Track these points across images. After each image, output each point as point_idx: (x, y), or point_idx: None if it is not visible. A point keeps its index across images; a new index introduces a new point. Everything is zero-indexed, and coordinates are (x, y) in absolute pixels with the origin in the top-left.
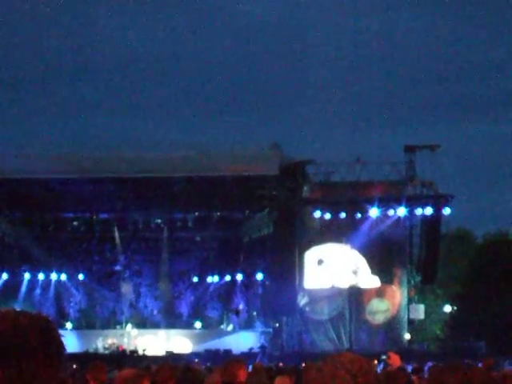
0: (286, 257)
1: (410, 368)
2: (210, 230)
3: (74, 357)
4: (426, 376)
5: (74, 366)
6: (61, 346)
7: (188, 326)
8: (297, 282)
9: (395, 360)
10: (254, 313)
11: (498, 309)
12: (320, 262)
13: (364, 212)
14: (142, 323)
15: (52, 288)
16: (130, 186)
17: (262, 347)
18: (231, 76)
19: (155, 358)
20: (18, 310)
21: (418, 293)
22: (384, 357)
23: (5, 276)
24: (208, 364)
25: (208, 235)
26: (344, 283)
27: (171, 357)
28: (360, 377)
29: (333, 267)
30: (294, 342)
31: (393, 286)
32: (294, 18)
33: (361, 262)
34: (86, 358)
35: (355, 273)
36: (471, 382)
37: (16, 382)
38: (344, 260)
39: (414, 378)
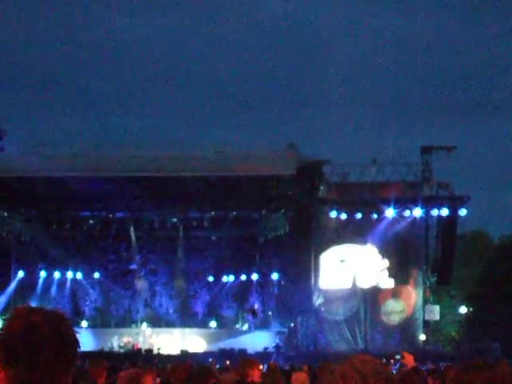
0: (302, 257)
1: (424, 369)
2: (226, 229)
3: (89, 355)
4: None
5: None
6: (74, 343)
7: (203, 325)
8: (312, 281)
9: (409, 360)
10: (270, 312)
11: None
12: (342, 261)
13: (380, 213)
14: (157, 322)
15: (68, 286)
16: (147, 185)
17: (277, 347)
18: (248, 76)
19: (170, 357)
20: (32, 306)
21: (434, 294)
22: (398, 357)
23: (21, 274)
24: (223, 363)
25: (224, 235)
26: (362, 283)
27: (186, 356)
28: (370, 377)
29: (352, 267)
30: (309, 341)
31: (408, 287)
32: (312, 19)
33: (378, 262)
34: (102, 357)
35: (372, 273)
36: (496, 382)
37: (27, 380)
38: (362, 260)
39: (429, 378)
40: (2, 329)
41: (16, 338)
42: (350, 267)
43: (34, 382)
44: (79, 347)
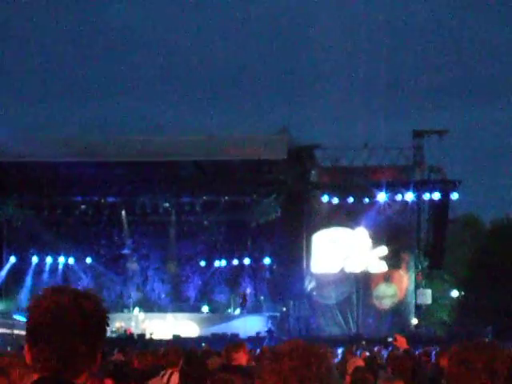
0: (294, 241)
1: (417, 352)
2: (218, 214)
3: None
4: (433, 361)
5: None
6: (100, 323)
7: (195, 309)
8: (304, 266)
9: (402, 342)
10: (262, 297)
11: (505, 294)
12: (333, 241)
13: (372, 197)
14: (150, 307)
15: (60, 271)
16: (138, 170)
17: (270, 331)
18: (240, 60)
19: (162, 342)
20: (59, 286)
21: (426, 278)
22: (390, 339)
23: (13, 259)
24: (216, 348)
25: (216, 219)
26: (354, 267)
27: (178, 341)
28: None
29: (344, 249)
30: (301, 326)
31: (400, 271)
32: (304, 4)
33: (369, 247)
34: None
35: (364, 257)
36: (495, 362)
37: (53, 360)
38: (354, 243)
39: (425, 358)
40: (28, 310)
41: (41, 319)
42: (340, 250)
43: (59, 363)
44: (106, 327)
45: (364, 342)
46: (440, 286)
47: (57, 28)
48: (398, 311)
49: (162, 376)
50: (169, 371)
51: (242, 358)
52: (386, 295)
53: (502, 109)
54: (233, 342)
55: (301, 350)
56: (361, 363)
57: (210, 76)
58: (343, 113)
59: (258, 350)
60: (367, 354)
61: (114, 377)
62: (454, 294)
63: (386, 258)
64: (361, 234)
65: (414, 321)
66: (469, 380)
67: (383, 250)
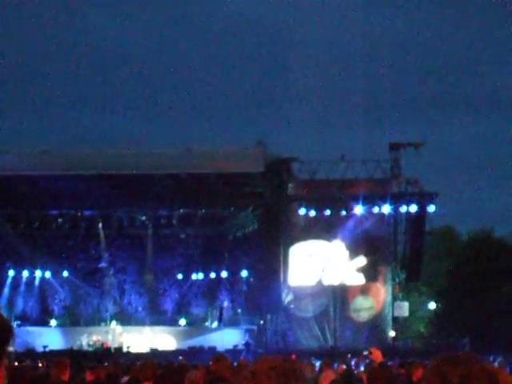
0: (271, 254)
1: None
2: (195, 227)
3: (60, 353)
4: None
5: (40, 365)
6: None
7: (173, 323)
8: (281, 279)
9: (377, 355)
10: (239, 310)
11: (482, 306)
12: (310, 255)
13: (349, 209)
14: (127, 320)
15: (36, 285)
16: (115, 183)
17: (247, 344)
18: (216, 74)
19: (140, 355)
20: None
21: (403, 290)
22: (366, 352)
23: None
24: (193, 361)
25: (193, 232)
26: (331, 279)
27: (155, 354)
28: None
29: (320, 262)
30: (279, 338)
31: (377, 284)
32: (279, 18)
33: (346, 259)
34: (71, 355)
35: (341, 269)
36: (473, 374)
37: None
38: (331, 256)
39: (402, 371)
40: None
41: None
42: (317, 262)
43: None
44: (7, 340)
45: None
46: (417, 298)
47: (35, 41)
48: (376, 324)
49: None
50: None
51: (227, 372)
52: (364, 308)
53: (478, 121)
54: (217, 355)
55: (279, 370)
56: (333, 376)
57: (187, 89)
58: (320, 126)
59: (235, 364)
60: (344, 367)
61: None
62: (432, 306)
63: (363, 271)
64: (338, 247)
65: (392, 333)
66: None
67: (361, 260)
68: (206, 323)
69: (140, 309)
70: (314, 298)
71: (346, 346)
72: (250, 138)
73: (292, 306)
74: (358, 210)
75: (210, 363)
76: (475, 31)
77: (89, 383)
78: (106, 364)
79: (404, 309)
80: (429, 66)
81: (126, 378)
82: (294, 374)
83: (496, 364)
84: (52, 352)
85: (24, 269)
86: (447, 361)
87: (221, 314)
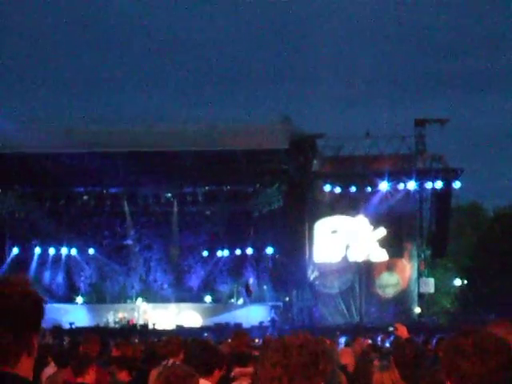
0: (296, 231)
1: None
2: (220, 204)
3: (86, 330)
4: (433, 347)
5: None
6: (28, 310)
7: (198, 300)
8: (307, 255)
9: (402, 331)
10: (264, 287)
11: (508, 282)
12: (334, 231)
13: (374, 186)
14: (153, 297)
15: (62, 262)
16: (140, 161)
17: (272, 321)
18: (242, 51)
19: (165, 332)
20: None
21: (428, 266)
22: (391, 329)
23: (15, 250)
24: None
25: (218, 209)
26: (356, 256)
27: (181, 331)
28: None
29: (345, 238)
30: (304, 315)
31: (403, 260)
32: None
33: (371, 235)
34: (97, 332)
35: (367, 245)
36: (484, 344)
37: None
38: (355, 231)
39: (428, 346)
40: None
41: None
42: (342, 239)
43: None
44: (35, 310)
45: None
46: (443, 274)
47: (57, 19)
48: (401, 300)
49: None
50: (170, 360)
51: (245, 346)
52: (389, 284)
53: (503, 97)
54: (237, 331)
55: (311, 347)
56: (350, 353)
57: (211, 66)
58: (345, 102)
59: (261, 340)
60: (369, 341)
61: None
62: (457, 282)
63: (388, 247)
64: (362, 223)
65: (417, 310)
66: (460, 363)
67: (382, 231)
68: (232, 300)
69: (166, 286)
70: (340, 274)
71: (371, 323)
72: (275, 115)
73: (317, 283)
74: (384, 186)
75: (229, 340)
76: (502, 8)
77: (115, 359)
78: (136, 341)
79: (429, 285)
80: (454, 42)
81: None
82: (326, 354)
83: None
84: (78, 329)
85: (50, 246)
86: (459, 334)
87: (247, 291)
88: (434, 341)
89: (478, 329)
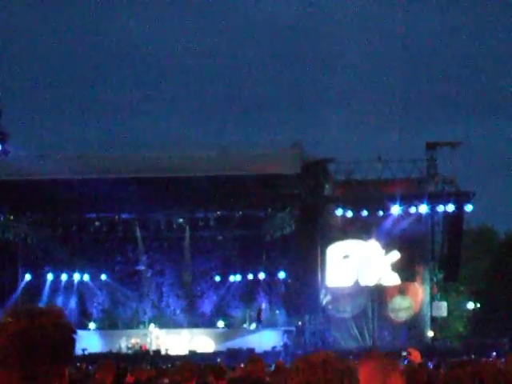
0: (308, 255)
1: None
2: (232, 229)
3: (99, 357)
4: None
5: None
6: (64, 341)
7: (211, 325)
8: (319, 280)
9: (416, 356)
10: (277, 311)
11: None
12: (345, 256)
13: (386, 209)
14: (165, 323)
15: (75, 288)
16: (152, 186)
17: (285, 346)
18: (254, 76)
19: (178, 358)
20: (23, 308)
21: (441, 290)
22: (404, 353)
23: (28, 277)
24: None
25: (230, 234)
26: (368, 280)
27: (194, 356)
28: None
29: (358, 262)
30: (317, 340)
31: (415, 284)
32: (319, 20)
33: (382, 259)
34: (110, 358)
35: (379, 270)
36: (481, 374)
37: (20, 381)
38: (367, 256)
39: (441, 371)
40: None
41: (4, 344)
42: (354, 263)
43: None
44: (71, 341)
45: None
46: (455, 298)
47: (69, 45)
48: (414, 324)
49: None
50: None
51: (261, 372)
52: (402, 308)
53: None
54: (252, 356)
55: (335, 363)
56: None
57: (223, 92)
58: (356, 126)
59: (273, 366)
60: None
61: None
62: (470, 305)
63: (400, 271)
64: (374, 247)
65: (430, 333)
66: None
67: (395, 255)
68: (244, 325)
69: (178, 311)
70: (352, 298)
71: (384, 347)
72: (287, 140)
73: (330, 307)
74: (395, 209)
75: (243, 365)
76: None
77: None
78: (148, 367)
79: (442, 309)
80: (466, 65)
81: (166, 380)
82: (350, 370)
83: None
84: (91, 355)
85: (62, 272)
86: (457, 366)
87: (259, 316)
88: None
89: (475, 362)
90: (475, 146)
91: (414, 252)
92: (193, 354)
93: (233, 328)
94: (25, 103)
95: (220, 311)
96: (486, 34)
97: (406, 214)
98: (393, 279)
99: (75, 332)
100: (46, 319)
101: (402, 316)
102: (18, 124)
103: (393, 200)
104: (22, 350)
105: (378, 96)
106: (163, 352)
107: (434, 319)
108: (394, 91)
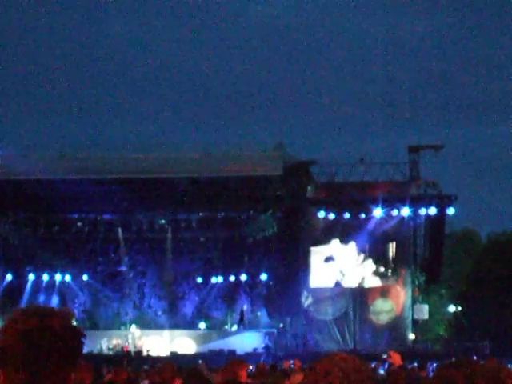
0: (290, 257)
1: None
2: (214, 230)
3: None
4: (430, 375)
5: None
6: (72, 344)
7: (192, 326)
8: (301, 281)
9: (396, 359)
10: (259, 313)
11: (502, 309)
12: (328, 258)
13: (368, 212)
14: (147, 324)
15: (56, 289)
16: (134, 187)
17: (267, 347)
18: (236, 77)
19: (159, 359)
20: (31, 308)
21: (422, 293)
22: (385, 356)
23: (9, 277)
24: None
25: (212, 236)
26: (350, 282)
27: (175, 357)
28: (352, 374)
29: (340, 265)
30: (299, 342)
31: (397, 286)
32: (299, 21)
33: (364, 261)
34: (90, 359)
35: (361, 272)
36: (475, 377)
37: (25, 382)
38: (350, 259)
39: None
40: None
41: (8, 342)
42: (336, 265)
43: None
44: (78, 344)
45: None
46: (437, 300)
47: (52, 45)
48: (395, 326)
49: None
50: None
51: (244, 376)
52: (383, 310)
53: (496, 124)
54: (235, 358)
55: (350, 366)
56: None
57: (205, 93)
58: (339, 129)
59: (254, 367)
60: None
61: None
62: (451, 308)
63: (382, 273)
64: (356, 249)
65: (411, 336)
66: None
67: (376, 258)
68: (226, 326)
69: (160, 312)
70: (334, 300)
71: (365, 349)
72: (269, 142)
73: (312, 309)
74: (378, 212)
75: (224, 367)
76: (494, 35)
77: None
78: (128, 368)
79: (424, 311)
80: (448, 69)
81: (146, 382)
82: (366, 373)
83: None
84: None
85: (44, 273)
86: (450, 365)
87: (241, 318)
88: (431, 368)
89: (468, 361)
90: (458, 150)
91: (396, 255)
92: (174, 355)
93: (214, 329)
94: (7, 103)
95: (202, 312)
96: (468, 38)
97: (388, 217)
98: (374, 281)
99: (84, 336)
100: (56, 321)
101: (384, 319)
102: (0, 124)
103: (375, 203)
104: (29, 351)
105: (360, 99)
106: (144, 353)
107: (415, 322)
108: (377, 94)
